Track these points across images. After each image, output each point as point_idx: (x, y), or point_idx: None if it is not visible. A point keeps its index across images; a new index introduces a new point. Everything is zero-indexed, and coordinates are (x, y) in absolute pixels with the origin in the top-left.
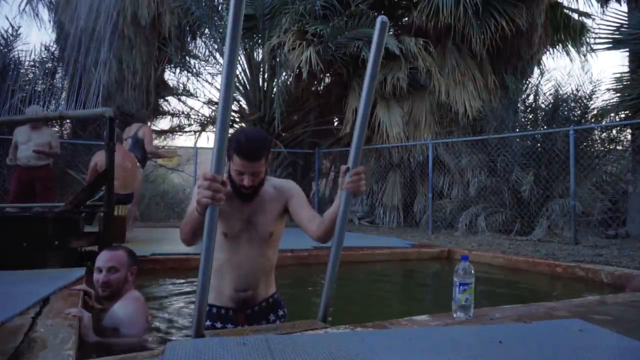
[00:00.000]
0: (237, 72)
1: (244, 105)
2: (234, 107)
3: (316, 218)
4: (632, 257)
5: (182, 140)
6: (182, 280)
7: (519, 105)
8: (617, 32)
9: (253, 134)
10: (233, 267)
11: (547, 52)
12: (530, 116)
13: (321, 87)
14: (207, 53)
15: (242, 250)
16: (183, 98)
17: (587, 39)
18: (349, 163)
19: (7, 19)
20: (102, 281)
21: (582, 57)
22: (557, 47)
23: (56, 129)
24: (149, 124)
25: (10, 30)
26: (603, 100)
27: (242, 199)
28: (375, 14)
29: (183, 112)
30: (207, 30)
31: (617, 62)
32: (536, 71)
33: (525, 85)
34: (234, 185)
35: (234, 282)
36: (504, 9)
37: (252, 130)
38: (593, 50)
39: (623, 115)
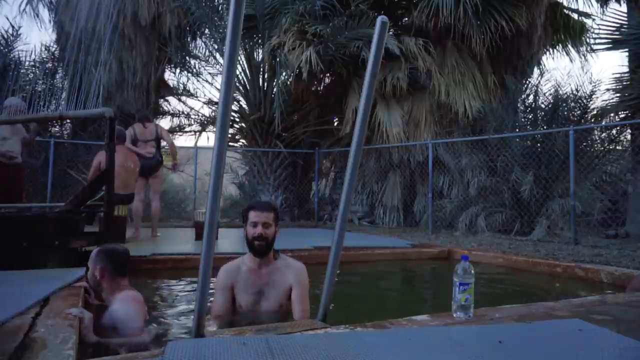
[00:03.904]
0: (237, 72)
1: (244, 105)
2: (234, 107)
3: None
4: (632, 257)
5: (182, 140)
6: (182, 280)
7: (518, 105)
8: (617, 32)
9: (263, 200)
10: None
11: (547, 52)
12: (530, 116)
13: (321, 87)
14: (207, 53)
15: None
16: (183, 98)
17: (587, 39)
18: (348, 163)
19: (7, 19)
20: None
21: (582, 57)
22: (557, 47)
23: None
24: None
25: (10, 30)
26: (603, 100)
27: (257, 254)
28: (375, 14)
29: (183, 112)
30: (207, 30)
31: (617, 62)
32: (536, 71)
33: (525, 85)
34: (251, 245)
35: None
36: (504, 9)
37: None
38: (593, 50)
39: (623, 115)
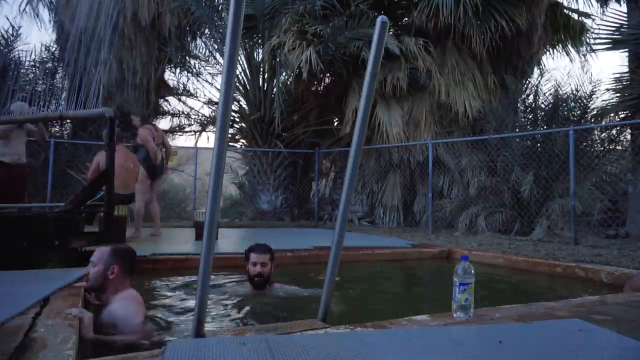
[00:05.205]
0: (237, 72)
1: (244, 105)
2: (234, 107)
3: None
4: (632, 257)
5: (182, 140)
6: (182, 280)
7: (518, 105)
8: (617, 32)
9: (260, 243)
10: None
11: (547, 52)
12: (530, 116)
13: (321, 87)
14: (207, 53)
15: None
16: (183, 98)
17: (587, 39)
18: (348, 163)
19: (7, 19)
20: (85, 273)
21: (582, 57)
22: (557, 47)
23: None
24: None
25: (10, 31)
26: (603, 100)
27: (256, 288)
28: (375, 14)
29: (183, 112)
30: (207, 30)
31: (617, 62)
32: (536, 71)
33: (525, 85)
34: (252, 280)
35: None
36: (504, 9)
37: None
38: (593, 50)
39: (623, 115)
